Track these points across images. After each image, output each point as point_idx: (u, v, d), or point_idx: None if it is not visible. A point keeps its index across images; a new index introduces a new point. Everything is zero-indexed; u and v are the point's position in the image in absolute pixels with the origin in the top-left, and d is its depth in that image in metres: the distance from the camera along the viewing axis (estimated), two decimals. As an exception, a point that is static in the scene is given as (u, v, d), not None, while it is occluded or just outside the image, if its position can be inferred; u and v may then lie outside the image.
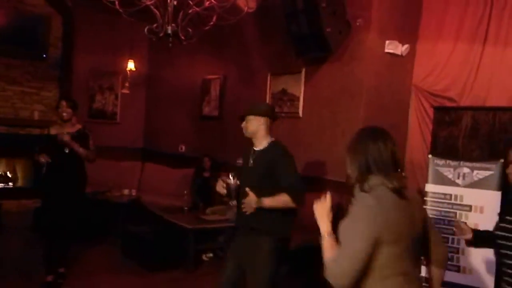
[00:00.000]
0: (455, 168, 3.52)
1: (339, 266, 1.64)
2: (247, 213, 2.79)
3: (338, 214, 1.88)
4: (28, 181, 6.91)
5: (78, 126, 4.19)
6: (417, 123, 4.88)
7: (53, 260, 4.13)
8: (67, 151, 4.00)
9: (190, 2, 3.06)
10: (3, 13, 6.36)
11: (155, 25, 3.06)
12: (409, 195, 1.81)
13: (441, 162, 3.82)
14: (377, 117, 4.77)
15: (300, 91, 5.35)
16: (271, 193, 2.80)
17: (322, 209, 1.82)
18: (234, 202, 3.00)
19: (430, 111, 4.66)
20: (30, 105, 6.83)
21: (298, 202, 2.81)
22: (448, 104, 4.58)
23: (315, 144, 5.15)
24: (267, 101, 5.76)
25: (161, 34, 3.02)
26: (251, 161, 3.01)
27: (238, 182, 2.93)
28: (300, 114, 5.34)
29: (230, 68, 6.51)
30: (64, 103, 4.15)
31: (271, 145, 3.01)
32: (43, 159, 3.94)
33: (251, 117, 3.03)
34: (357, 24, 4.73)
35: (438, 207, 3.79)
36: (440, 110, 4.31)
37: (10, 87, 6.64)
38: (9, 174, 6.87)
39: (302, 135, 5.27)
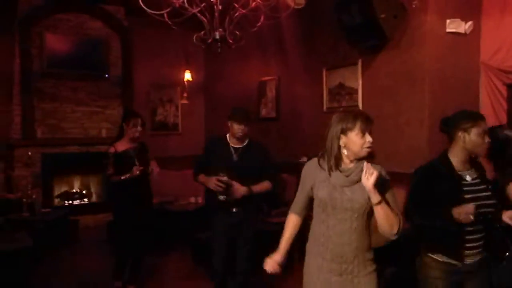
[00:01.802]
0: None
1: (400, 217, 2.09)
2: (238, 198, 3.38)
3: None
4: (101, 196, 7.25)
5: (138, 140, 4.26)
6: (490, 103, 4.54)
7: (125, 272, 4.24)
8: (137, 164, 4.03)
9: (236, 5, 3.03)
10: (66, 40, 6.72)
11: (203, 32, 3.06)
12: None
13: (520, 142, 3.49)
14: (444, 102, 4.50)
15: (358, 84, 5.17)
16: (255, 180, 3.45)
17: (370, 183, 1.98)
18: (222, 197, 3.41)
19: (503, 89, 4.32)
20: (97, 123, 7.15)
21: (276, 187, 3.61)
22: (523, 80, 4.21)
23: (378, 136, 4.91)
24: (325, 97, 5.62)
25: (209, 41, 3.01)
26: (235, 157, 3.50)
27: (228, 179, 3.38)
28: (360, 106, 5.14)
29: (284, 68, 6.44)
30: (139, 121, 4.12)
31: (251, 143, 3.58)
32: (133, 173, 3.96)
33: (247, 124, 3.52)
34: (413, 6, 4.48)
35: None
36: (514, 87, 3.96)
37: (78, 108, 7.00)
38: (83, 191, 7.23)
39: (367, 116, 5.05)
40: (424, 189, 2.38)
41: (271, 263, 2.29)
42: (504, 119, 4.31)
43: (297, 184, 2.38)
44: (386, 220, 2.02)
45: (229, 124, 3.54)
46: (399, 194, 4.61)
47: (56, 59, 6.59)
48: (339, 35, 4.95)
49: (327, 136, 2.14)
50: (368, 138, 2.08)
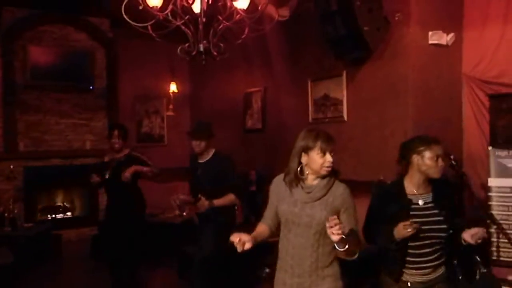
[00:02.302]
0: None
1: None
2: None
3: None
4: (85, 209, 7.14)
5: (126, 151, 4.24)
6: (473, 114, 4.60)
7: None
8: (106, 176, 4.08)
9: (220, 18, 3.03)
10: (50, 52, 6.67)
11: (187, 44, 3.05)
12: None
13: (503, 153, 3.56)
14: (428, 113, 4.55)
15: (342, 95, 5.20)
16: (221, 193, 3.55)
17: (336, 238, 1.94)
18: (179, 213, 3.90)
19: (485, 100, 4.38)
20: (82, 136, 7.07)
21: (241, 199, 3.72)
22: (504, 90, 4.27)
23: (362, 147, 4.97)
24: (310, 108, 5.64)
25: (193, 53, 3.00)
26: (199, 171, 3.69)
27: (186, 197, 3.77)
28: (345, 118, 5.17)
29: (270, 79, 6.45)
30: (115, 132, 4.17)
31: (215, 157, 3.71)
32: (93, 179, 4.05)
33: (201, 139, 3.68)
34: (396, 18, 4.54)
35: (504, 202, 3.50)
36: (496, 98, 4.03)
37: (62, 121, 6.92)
38: (67, 204, 7.11)
39: (348, 139, 5.08)
40: (377, 210, 2.45)
41: (238, 234, 2.14)
42: (486, 129, 4.36)
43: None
44: (348, 256, 2.06)
45: None
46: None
47: (40, 71, 6.52)
48: (324, 47, 4.99)
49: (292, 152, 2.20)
50: (329, 158, 2.11)
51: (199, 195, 3.51)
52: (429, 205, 2.38)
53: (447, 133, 4.60)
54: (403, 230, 2.19)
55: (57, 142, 6.89)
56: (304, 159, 2.15)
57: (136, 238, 4.19)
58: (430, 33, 4.54)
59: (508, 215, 3.47)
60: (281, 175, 2.27)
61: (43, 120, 6.75)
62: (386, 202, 2.42)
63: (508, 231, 3.50)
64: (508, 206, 3.50)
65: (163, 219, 6.07)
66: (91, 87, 7.04)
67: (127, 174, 4.03)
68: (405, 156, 2.44)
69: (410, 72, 4.54)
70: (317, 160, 2.11)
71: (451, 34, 4.61)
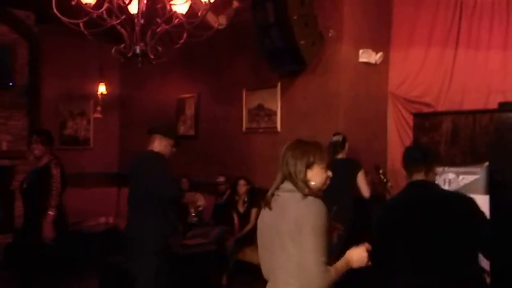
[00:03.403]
0: (440, 174, 3.45)
1: None
2: None
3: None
4: (-2, 215, 6.59)
5: (45, 160, 3.93)
6: (397, 131, 4.86)
7: None
8: (24, 186, 3.85)
9: (159, 20, 2.94)
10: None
11: (122, 45, 2.93)
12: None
13: (424, 169, 3.74)
14: (356, 128, 4.73)
15: (276, 106, 5.27)
16: None
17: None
18: None
19: (409, 118, 4.63)
20: (-3, 135, 6.54)
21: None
22: (426, 110, 4.56)
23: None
24: (244, 117, 5.66)
25: (129, 55, 2.88)
26: None
27: None
28: (278, 128, 5.25)
29: (204, 86, 6.40)
30: (35, 138, 3.92)
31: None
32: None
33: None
34: (330, 35, 4.70)
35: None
36: (419, 116, 4.28)
37: (-25, 118, 6.36)
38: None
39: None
40: None
41: None
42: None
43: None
44: None
45: None
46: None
47: (-49, 64, 5.96)
48: (260, 57, 5.04)
49: (288, 167, 1.98)
50: (329, 173, 2.03)
51: None
52: None
53: (374, 147, 4.82)
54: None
55: (-31, 140, 6.32)
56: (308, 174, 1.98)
57: (52, 248, 3.91)
58: (360, 51, 4.75)
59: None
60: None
61: (-47, 117, 6.16)
62: None
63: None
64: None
65: (86, 227, 5.75)
66: (10, 84, 6.53)
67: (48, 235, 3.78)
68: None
69: (341, 87, 4.71)
70: (322, 175, 2.00)
71: (380, 53, 4.85)
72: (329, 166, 2.02)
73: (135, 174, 3.34)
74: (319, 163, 1.99)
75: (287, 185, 1.98)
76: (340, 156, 4.23)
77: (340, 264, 1.92)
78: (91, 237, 5.53)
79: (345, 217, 3.45)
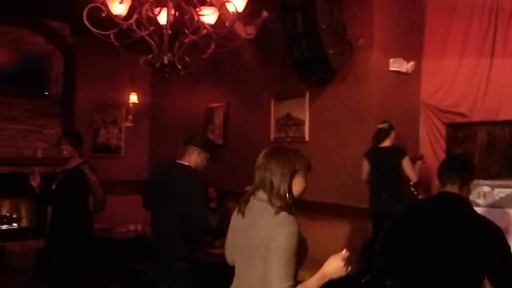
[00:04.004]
0: (474, 187, 3.32)
1: None
2: None
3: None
4: (32, 220, 6.77)
5: (76, 162, 3.99)
6: (429, 142, 4.73)
7: None
8: (53, 187, 3.87)
9: (186, 31, 2.97)
10: (4, 53, 6.36)
11: (151, 55, 2.97)
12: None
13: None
14: (387, 138, 4.62)
15: (305, 115, 5.23)
16: None
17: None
18: None
19: (442, 128, 4.52)
20: (33, 143, 6.73)
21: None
22: (460, 120, 4.43)
23: (323, 168, 4.98)
24: (272, 127, 5.63)
25: (157, 65, 2.92)
26: None
27: None
28: (307, 138, 5.19)
29: (233, 95, 6.42)
30: (64, 139, 3.97)
31: None
32: (33, 181, 3.82)
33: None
34: (359, 43, 4.63)
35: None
36: (452, 127, 4.16)
37: (12, 126, 6.57)
38: (13, 215, 6.73)
39: (310, 159, 5.09)
40: None
41: None
42: (442, 157, 4.46)
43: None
44: None
45: None
46: (344, 228, 4.63)
47: (-11, 73, 6.19)
48: (288, 66, 5.02)
49: (271, 174, 1.89)
50: (305, 182, 1.97)
51: None
52: None
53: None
54: None
55: (6, 148, 6.53)
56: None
57: (80, 255, 3.96)
58: (391, 60, 4.67)
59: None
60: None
61: (-10, 125, 6.40)
62: None
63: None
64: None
65: (115, 234, 5.84)
66: (46, 93, 6.74)
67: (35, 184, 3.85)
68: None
69: (372, 96, 4.63)
70: (302, 184, 1.95)
71: (411, 62, 4.75)
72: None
73: (168, 187, 3.17)
74: (302, 171, 1.93)
75: (262, 194, 1.89)
76: (385, 144, 4.25)
77: (315, 278, 1.82)
78: (120, 244, 5.60)
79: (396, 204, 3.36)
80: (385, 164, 4.15)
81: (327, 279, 1.82)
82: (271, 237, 1.76)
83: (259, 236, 1.81)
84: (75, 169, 3.90)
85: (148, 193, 3.45)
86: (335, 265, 1.82)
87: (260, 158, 1.95)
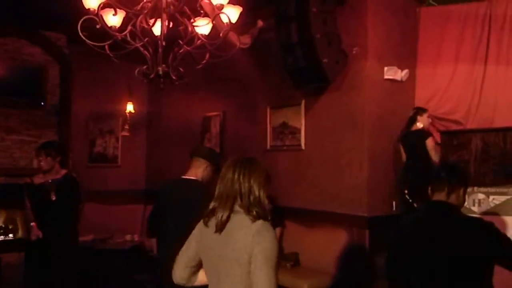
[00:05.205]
0: (469, 194, 3.34)
1: None
2: None
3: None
4: (28, 232, 6.72)
5: (63, 172, 4.00)
6: (424, 149, 4.73)
7: None
8: (53, 198, 3.84)
9: (180, 42, 2.99)
10: (1, 64, 6.37)
11: (145, 66, 2.98)
12: None
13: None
14: (382, 145, 4.65)
15: (301, 123, 5.24)
16: None
17: None
18: None
19: (437, 135, 4.53)
20: (29, 153, 6.71)
21: None
22: (455, 127, 4.45)
23: (319, 176, 5.00)
24: (268, 135, 5.64)
25: (151, 76, 2.94)
26: None
27: None
28: (303, 146, 5.20)
29: (229, 104, 6.44)
30: (41, 151, 3.95)
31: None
32: (33, 236, 3.85)
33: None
34: (354, 52, 4.66)
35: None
36: (447, 134, 4.17)
37: (8, 137, 6.57)
38: (9, 226, 6.69)
39: (306, 167, 5.11)
40: None
41: None
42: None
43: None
44: None
45: None
46: (341, 236, 4.60)
47: (-14, 84, 6.20)
48: (283, 75, 5.04)
49: (241, 185, 1.89)
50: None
51: None
52: None
53: (400, 166, 4.71)
54: None
55: (2, 159, 6.52)
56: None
57: (68, 265, 3.94)
58: (385, 68, 4.69)
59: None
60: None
61: (-14, 136, 6.39)
62: None
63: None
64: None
65: (112, 245, 5.81)
66: (42, 103, 6.75)
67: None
68: None
69: (367, 104, 4.65)
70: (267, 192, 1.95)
71: (406, 70, 4.77)
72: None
73: (182, 205, 3.03)
74: (268, 180, 1.94)
75: (236, 206, 1.86)
76: (413, 128, 4.54)
77: None
78: (116, 254, 5.58)
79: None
80: (412, 146, 4.48)
81: None
82: (254, 246, 1.75)
83: (239, 249, 1.78)
84: (69, 179, 3.91)
85: (158, 217, 3.25)
86: None
87: (230, 170, 1.93)
